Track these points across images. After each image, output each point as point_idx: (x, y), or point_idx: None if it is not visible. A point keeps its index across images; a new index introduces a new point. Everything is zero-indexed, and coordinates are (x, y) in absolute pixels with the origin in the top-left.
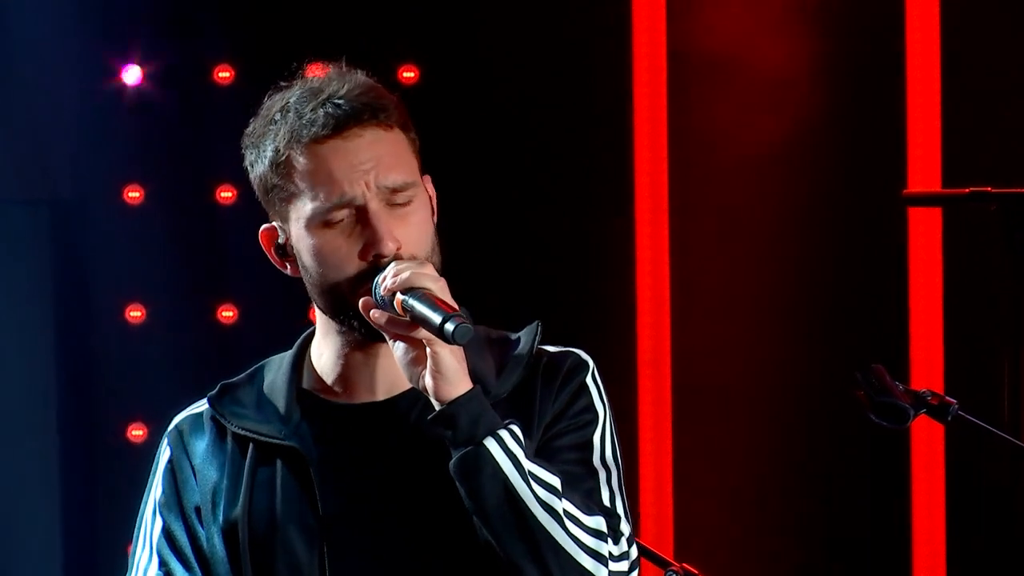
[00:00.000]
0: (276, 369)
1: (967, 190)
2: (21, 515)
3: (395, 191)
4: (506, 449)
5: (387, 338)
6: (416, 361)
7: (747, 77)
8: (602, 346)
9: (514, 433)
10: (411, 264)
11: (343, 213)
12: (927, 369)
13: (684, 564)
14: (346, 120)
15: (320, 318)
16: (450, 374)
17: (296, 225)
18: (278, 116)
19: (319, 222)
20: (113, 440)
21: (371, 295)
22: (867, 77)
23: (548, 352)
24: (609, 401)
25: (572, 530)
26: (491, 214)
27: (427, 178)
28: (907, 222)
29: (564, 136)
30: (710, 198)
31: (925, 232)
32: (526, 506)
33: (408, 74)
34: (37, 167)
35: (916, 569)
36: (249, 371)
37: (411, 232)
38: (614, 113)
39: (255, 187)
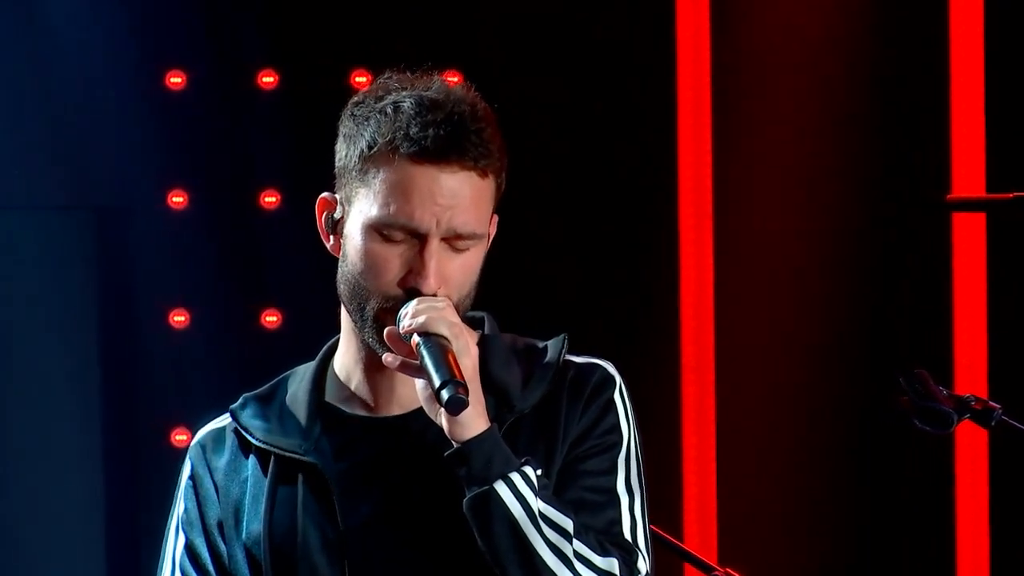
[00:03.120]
0: (299, 381)
1: (1011, 195)
2: (65, 519)
3: (460, 237)
4: (516, 492)
5: None
6: (433, 398)
7: (791, 85)
8: (646, 351)
9: (526, 475)
10: (431, 306)
11: (402, 235)
12: (971, 374)
13: (727, 568)
14: (447, 152)
15: (344, 322)
16: (463, 417)
17: (356, 216)
18: (389, 110)
19: (377, 230)
20: (156, 444)
21: (395, 324)
22: (911, 83)
23: (575, 364)
24: (636, 418)
25: (581, 572)
26: (534, 220)
27: (494, 218)
28: (951, 227)
29: (608, 142)
30: (753, 204)
31: (969, 237)
32: (534, 549)
33: (451, 79)
34: (82, 173)
35: (960, 573)
36: (272, 383)
37: (456, 274)
38: (658, 118)
39: (336, 155)
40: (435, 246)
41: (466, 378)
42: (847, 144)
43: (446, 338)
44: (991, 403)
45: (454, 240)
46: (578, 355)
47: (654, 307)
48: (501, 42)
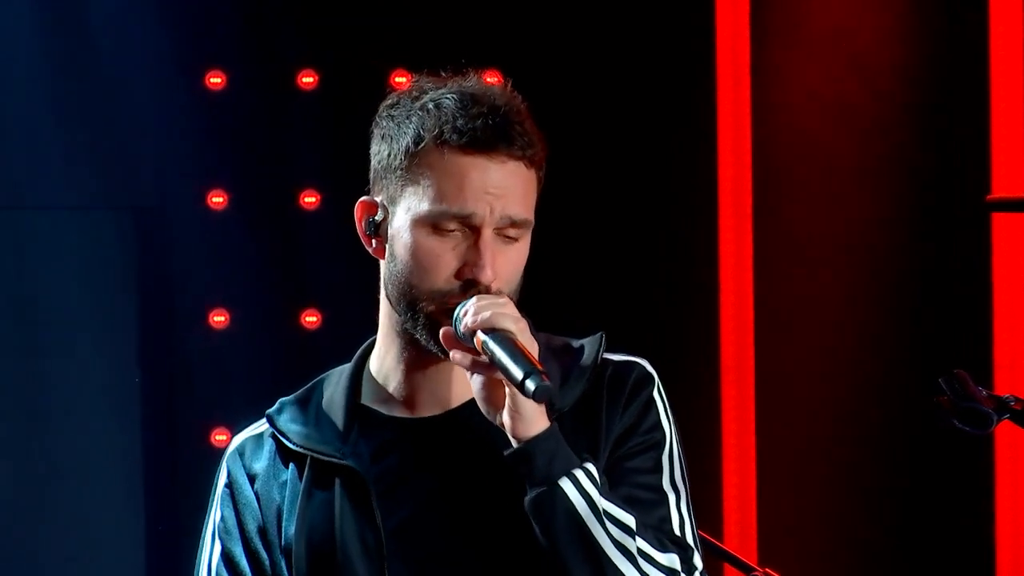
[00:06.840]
0: (335, 384)
1: None
2: (105, 519)
3: (512, 225)
4: (580, 489)
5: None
6: (493, 398)
7: (829, 86)
8: (686, 352)
9: (589, 472)
10: (493, 302)
11: (455, 225)
12: (1011, 374)
13: (767, 569)
14: (497, 142)
15: (383, 323)
16: (528, 413)
17: (403, 214)
18: (431, 106)
19: (429, 223)
20: (196, 445)
21: (451, 325)
22: (951, 82)
23: (612, 362)
24: (674, 415)
25: (645, 569)
26: (572, 221)
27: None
28: (991, 227)
29: (647, 144)
30: (793, 205)
31: (1009, 237)
32: (600, 546)
33: (491, 79)
34: (121, 173)
35: (1000, 574)
36: (308, 386)
37: (508, 267)
38: (698, 120)
39: (373, 158)
40: (488, 234)
41: None
42: (887, 145)
43: (512, 332)
44: None
45: (507, 228)
46: (614, 353)
47: (694, 309)
48: (540, 41)
